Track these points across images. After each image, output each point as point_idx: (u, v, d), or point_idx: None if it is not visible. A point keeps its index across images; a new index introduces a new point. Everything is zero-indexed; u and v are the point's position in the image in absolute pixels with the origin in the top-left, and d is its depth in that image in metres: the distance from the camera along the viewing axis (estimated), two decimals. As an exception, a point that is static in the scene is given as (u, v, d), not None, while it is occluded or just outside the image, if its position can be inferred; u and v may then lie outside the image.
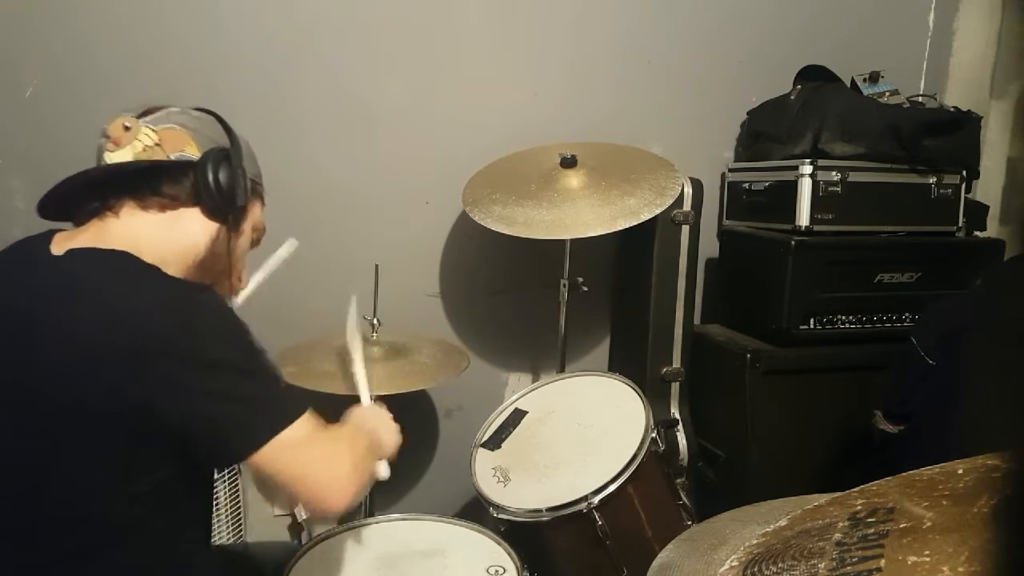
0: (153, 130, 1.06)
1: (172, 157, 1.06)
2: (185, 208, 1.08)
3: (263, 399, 1.01)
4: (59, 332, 0.95)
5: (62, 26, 1.82)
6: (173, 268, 1.06)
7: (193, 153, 1.08)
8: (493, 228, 1.83)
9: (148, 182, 1.06)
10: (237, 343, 1.00)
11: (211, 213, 1.09)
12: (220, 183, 1.08)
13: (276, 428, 0.99)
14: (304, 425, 1.02)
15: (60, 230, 1.08)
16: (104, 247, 1.01)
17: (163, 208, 1.07)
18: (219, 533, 1.88)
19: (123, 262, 1.00)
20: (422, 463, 2.28)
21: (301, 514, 2.05)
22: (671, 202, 1.84)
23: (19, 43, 1.81)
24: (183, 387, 0.94)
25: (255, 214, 1.21)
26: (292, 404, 1.03)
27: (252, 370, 1.01)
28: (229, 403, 0.97)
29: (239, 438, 0.99)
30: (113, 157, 1.05)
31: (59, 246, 1.03)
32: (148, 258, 1.02)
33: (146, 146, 1.05)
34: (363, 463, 1.13)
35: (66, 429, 0.95)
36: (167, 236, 1.07)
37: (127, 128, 1.05)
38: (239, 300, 1.28)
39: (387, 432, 1.31)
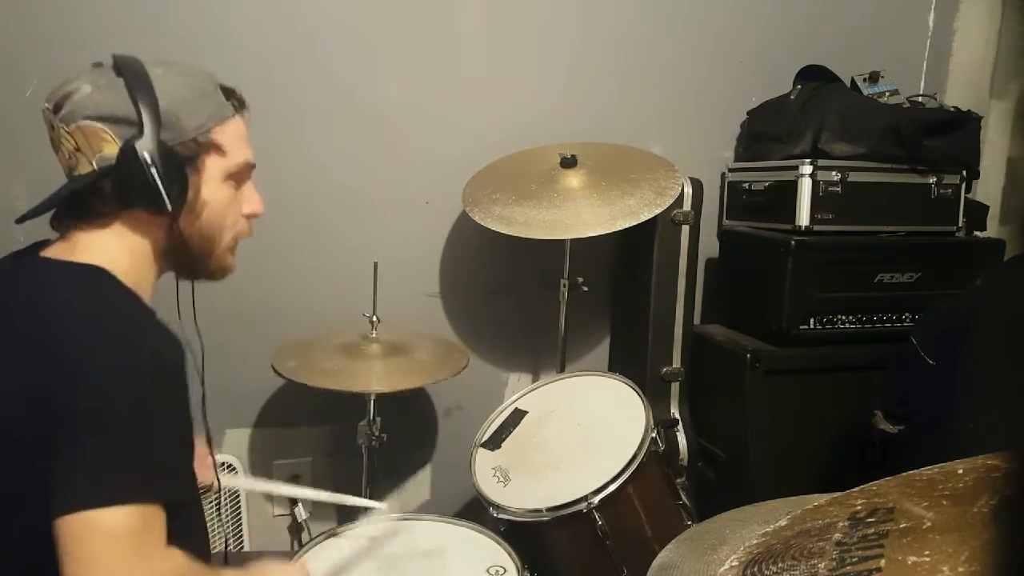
0: (67, 131, 0.98)
1: (94, 162, 0.98)
2: (124, 213, 1.01)
3: (109, 460, 0.88)
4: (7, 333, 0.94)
5: (62, 26, 1.82)
6: (148, 267, 1.05)
7: (111, 151, 0.98)
8: (493, 228, 1.83)
9: (79, 204, 1.00)
10: (125, 396, 0.89)
11: (149, 210, 1.00)
12: (144, 183, 0.97)
13: (99, 499, 0.85)
14: (131, 521, 0.85)
15: (48, 240, 1.07)
16: (75, 259, 1.00)
17: (107, 221, 1.01)
18: (218, 538, 1.88)
19: (77, 279, 0.98)
20: (422, 463, 2.28)
21: (301, 514, 2.05)
22: (671, 202, 1.83)
23: (19, 43, 1.81)
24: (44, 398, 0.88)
25: (215, 169, 1.07)
26: (136, 486, 0.88)
27: (119, 431, 0.89)
28: (76, 447, 0.87)
29: (63, 489, 0.86)
30: (59, 159, 1.02)
31: (46, 252, 1.03)
32: (119, 266, 1.00)
33: (70, 152, 0.99)
34: None
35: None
36: (128, 243, 1.03)
37: (51, 126, 1.00)
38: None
39: None
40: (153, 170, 0.97)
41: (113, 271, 1.00)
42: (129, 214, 1.02)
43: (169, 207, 1.00)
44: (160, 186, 0.98)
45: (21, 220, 1.02)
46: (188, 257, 1.09)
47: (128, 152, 0.97)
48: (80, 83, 1.00)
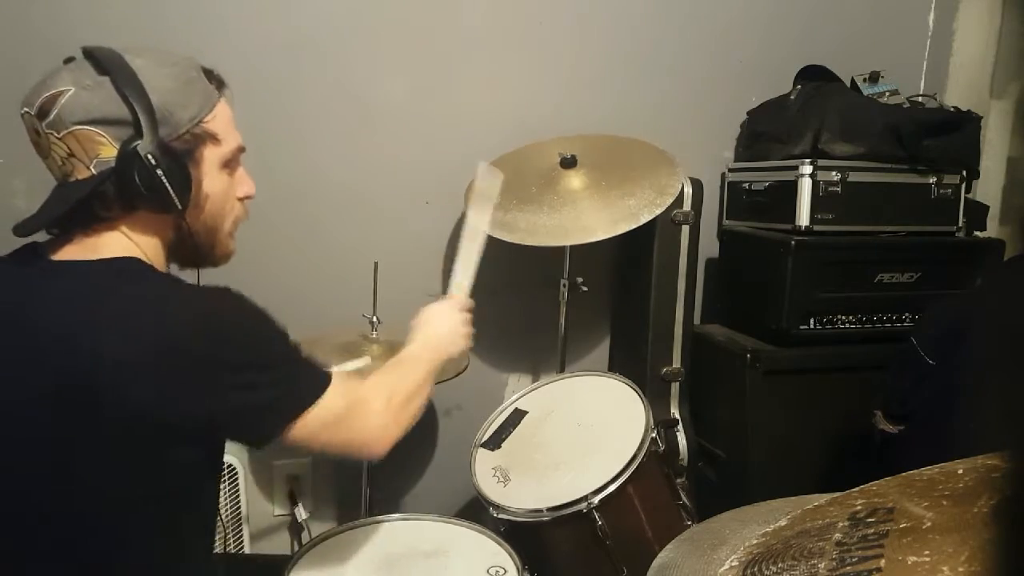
0: (58, 139, 0.95)
1: (92, 167, 0.96)
2: (129, 214, 1.01)
3: (287, 384, 1.03)
4: (76, 342, 0.92)
5: (63, 26, 1.82)
6: (159, 260, 1.06)
7: (109, 154, 0.96)
8: (494, 235, 1.82)
9: (84, 210, 0.98)
10: (255, 340, 1.02)
11: (154, 209, 1.00)
12: (148, 184, 0.96)
13: (304, 405, 1.03)
14: (332, 396, 1.06)
15: (41, 243, 1.05)
16: (108, 256, 0.99)
17: (114, 223, 1.01)
18: (218, 538, 1.88)
19: (129, 270, 0.99)
20: (422, 463, 2.28)
21: (301, 514, 2.05)
22: (670, 202, 1.84)
23: (19, 43, 1.81)
24: (206, 390, 0.96)
25: (212, 159, 1.06)
26: (315, 381, 1.06)
27: (273, 361, 1.03)
28: (255, 393, 1.00)
29: (269, 421, 1.03)
30: (47, 165, 1.00)
31: (58, 255, 1.01)
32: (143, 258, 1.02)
33: (62, 158, 0.96)
34: (410, 403, 1.21)
35: (87, 438, 0.94)
36: (137, 240, 1.03)
37: (37, 132, 0.97)
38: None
39: (452, 338, 1.37)
40: (159, 171, 0.96)
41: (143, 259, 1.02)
42: (134, 216, 1.01)
43: (179, 204, 1.00)
44: (168, 185, 0.98)
45: (22, 232, 1.00)
46: (195, 249, 1.09)
47: (128, 154, 0.95)
48: (62, 84, 0.96)
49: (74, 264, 0.99)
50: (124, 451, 0.94)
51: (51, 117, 0.95)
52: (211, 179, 1.07)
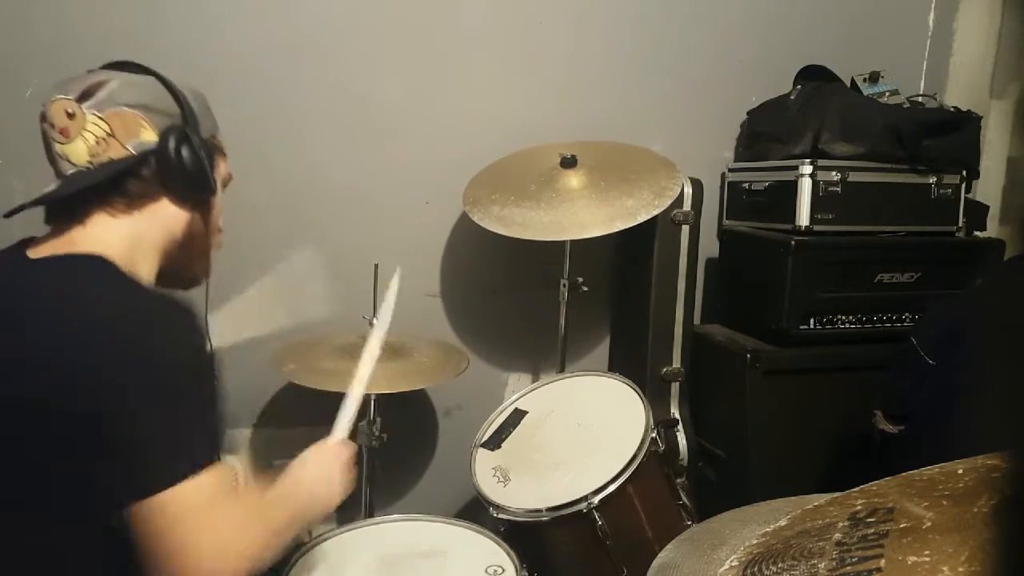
0: (100, 117, 0.99)
1: (130, 147, 1.00)
2: (153, 202, 1.04)
3: (171, 439, 0.91)
4: (19, 337, 0.92)
5: (62, 27, 1.82)
6: (149, 260, 1.05)
7: (149, 138, 1.01)
8: (490, 228, 1.83)
9: (113, 187, 1.01)
10: (172, 368, 0.92)
11: (181, 200, 1.05)
12: (185, 166, 1.02)
13: (175, 476, 0.88)
14: (207, 481, 0.90)
15: (34, 237, 1.05)
16: (76, 252, 0.99)
17: (131, 209, 1.02)
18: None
19: (92, 269, 0.97)
20: (422, 463, 2.28)
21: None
22: (669, 204, 1.84)
23: (19, 43, 1.81)
24: (129, 394, 0.89)
25: (222, 170, 1.14)
26: (201, 450, 0.92)
27: (175, 403, 0.92)
28: (144, 431, 0.89)
29: (140, 474, 0.88)
30: (66, 150, 1.00)
31: (35, 252, 1.02)
32: (120, 258, 0.99)
33: (98, 138, 0.99)
34: (267, 543, 1.00)
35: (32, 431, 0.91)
36: (139, 233, 1.03)
37: (70, 115, 0.98)
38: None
39: (330, 487, 1.17)
40: (202, 152, 1.03)
41: (112, 259, 0.99)
42: (157, 202, 1.04)
43: (213, 188, 1.07)
44: (208, 170, 1.05)
45: (8, 213, 1.01)
46: (188, 255, 1.11)
47: (172, 137, 1.01)
48: (106, 76, 1.01)
49: (38, 261, 0.99)
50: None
51: (95, 99, 0.99)
52: (218, 191, 1.12)
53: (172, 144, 1.01)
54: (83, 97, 0.99)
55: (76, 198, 1.00)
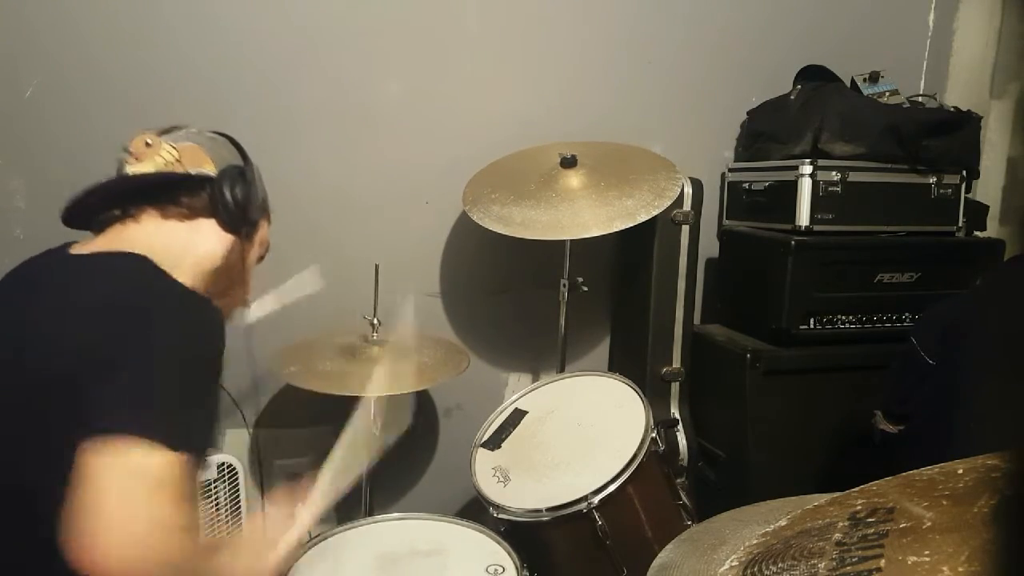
0: (173, 147, 1.12)
1: (191, 172, 1.12)
2: (202, 219, 1.13)
3: (167, 411, 0.92)
4: (59, 324, 0.98)
5: (62, 27, 1.82)
6: (188, 274, 1.10)
7: (211, 170, 1.14)
8: (490, 227, 1.83)
9: (167, 192, 1.11)
10: (187, 356, 0.98)
11: (227, 225, 1.15)
12: (236, 197, 1.14)
13: (136, 427, 0.87)
14: (160, 464, 0.87)
15: (76, 241, 1.12)
16: (122, 249, 1.06)
17: (181, 217, 1.12)
18: (218, 533, 1.88)
19: (134, 264, 1.04)
20: (422, 463, 2.28)
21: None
22: (668, 204, 1.84)
23: (19, 43, 1.81)
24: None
25: (263, 232, 1.27)
26: (174, 432, 0.90)
27: (188, 390, 0.96)
28: (139, 392, 0.92)
29: (111, 412, 0.89)
30: (134, 169, 1.10)
31: (77, 250, 1.09)
32: (163, 262, 1.06)
33: (167, 161, 1.11)
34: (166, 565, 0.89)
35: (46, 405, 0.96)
36: (184, 244, 1.11)
37: (148, 144, 1.10)
38: (251, 315, 1.35)
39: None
40: (246, 191, 1.15)
41: (155, 262, 1.06)
42: (205, 220, 1.13)
43: (255, 217, 1.19)
44: (254, 210, 1.18)
45: (99, 190, 1.09)
46: (228, 280, 1.19)
47: (229, 174, 1.14)
48: (187, 125, 1.19)
49: (85, 256, 1.06)
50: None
51: (173, 135, 1.15)
52: (255, 245, 1.24)
53: (228, 176, 1.14)
54: (164, 132, 1.14)
55: (130, 195, 1.10)
